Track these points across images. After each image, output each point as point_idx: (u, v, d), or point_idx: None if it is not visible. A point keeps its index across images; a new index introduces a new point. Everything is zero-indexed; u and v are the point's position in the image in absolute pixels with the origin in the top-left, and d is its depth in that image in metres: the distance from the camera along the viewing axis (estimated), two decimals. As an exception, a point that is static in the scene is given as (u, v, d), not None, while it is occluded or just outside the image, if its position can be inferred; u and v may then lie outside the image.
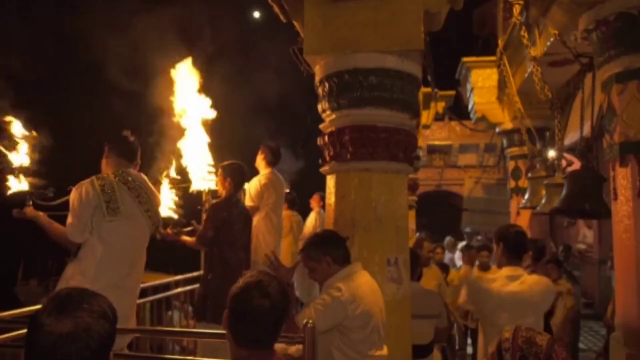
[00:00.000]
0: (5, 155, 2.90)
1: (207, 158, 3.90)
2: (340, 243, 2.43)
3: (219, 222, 3.49)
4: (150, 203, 2.81)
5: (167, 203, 3.47)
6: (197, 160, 3.85)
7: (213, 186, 3.90)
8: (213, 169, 3.91)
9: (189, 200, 3.79)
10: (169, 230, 3.42)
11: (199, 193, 3.98)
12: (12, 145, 2.93)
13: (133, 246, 2.74)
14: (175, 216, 3.52)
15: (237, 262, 3.50)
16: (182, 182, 3.69)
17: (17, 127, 2.97)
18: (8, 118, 2.91)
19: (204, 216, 3.96)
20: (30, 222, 2.75)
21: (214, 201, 3.67)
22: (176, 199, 3.56)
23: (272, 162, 4.54)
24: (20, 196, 2.81)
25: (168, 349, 4.41)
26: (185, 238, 3.61)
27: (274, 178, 4.48)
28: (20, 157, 2.94)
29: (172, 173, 3.62)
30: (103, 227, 2.63)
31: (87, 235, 2.63)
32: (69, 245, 2.70)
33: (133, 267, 2.74)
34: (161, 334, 4.02)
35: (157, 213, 2.88)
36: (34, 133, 3.00)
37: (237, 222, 3.58)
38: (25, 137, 2.95)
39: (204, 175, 3.88)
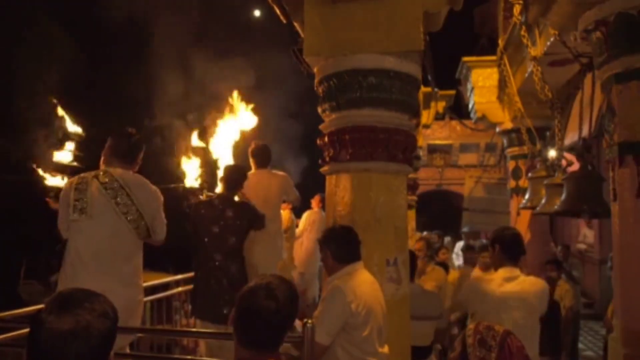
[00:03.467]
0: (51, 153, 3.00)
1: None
2: (343, 241, 2.45)
3: (192, 219, 3.51)
4: (130, 206, 2.66)
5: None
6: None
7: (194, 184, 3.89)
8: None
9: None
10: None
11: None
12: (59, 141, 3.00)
13: (104, 247, 2.63)
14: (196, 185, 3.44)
15: (217, 262, 3.40)
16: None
17: (68, 124, 3.04)
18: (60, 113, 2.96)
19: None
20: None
21: (200, 200, 3.66)
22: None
23: (260, 164, 4.36)
24: (56, 190, 2.92)
25: (174, 350, 4.43)
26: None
27: (261, 178, 4.32)
28: (64, 153, 3.03)
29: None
30: (71, 226, 2.65)
31: (67, 233, 2.67)
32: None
33: (110, 269, 2.62)
34: (161, 334, 4.04)
35: (142, 215, 2.69)
36: (80, 130, 3.05)
37: (217, 225, 3.45)
38: (72, 134, 3.01)
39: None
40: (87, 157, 3.08)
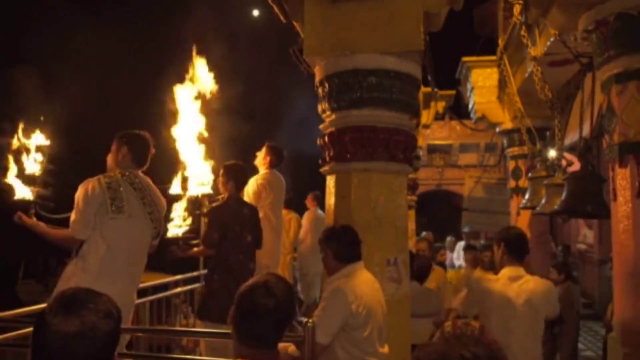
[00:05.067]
0: (19, 161, 2.94)
1: (202, 162, 3.89)
2: (344, 240, 2.45)
3: (221, 224, 3.51)
4: (154, 206, 2.80)
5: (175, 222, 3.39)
6: (193, 166, 3.83)
7: (207, 190, 3.86)
8: (210, 173, 3.89)
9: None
10: (177, 252, 3.34)
11: (196, 198, 3.96)
12: (26, 151, 2.96)
13: (134, 246, 2.73)
14: (180, 233, 3.47)
15: (239, 263, 3.51)
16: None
17: (36, 136, 3.01)
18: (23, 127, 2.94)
19: (203, 220, 3.99)
20: (28, 229, 2.77)
21: (215, 204, 3.67)
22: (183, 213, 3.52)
23: (275, 164, 4.50)
24: (24, 203, 2.84)
25: (173, 350, 4.43)
26: (194, 250, 3.61)
27: (272, 178, 4.45)
28: (32, 165, 2.98)
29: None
30: (106, 224, 2.63)
31: (90, 232, 2.63)
32: (71, 245, 2.70)
33: (133, 267, 2.73)
34: (161, 334, 4.04)
35: (160, 217, 2.85)
36: (49, 142, 3.04)
37: (238, 224, 3.56)
38: (41, 146, 3.00)
39: (201, 181, 3.84)
40: (58, 170, 3.07)
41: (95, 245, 2.62)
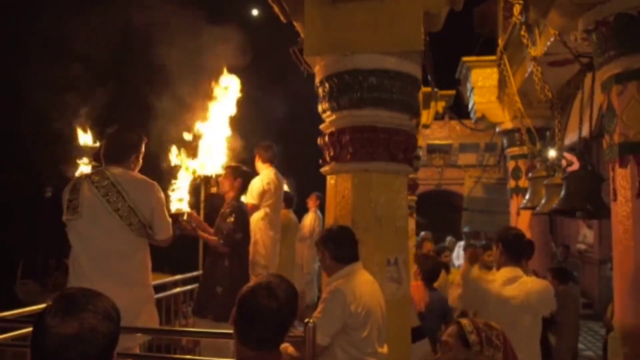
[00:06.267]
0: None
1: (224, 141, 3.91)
2: (342, 241, 2.45)
3: (245, 224, 3.56)
4: (122, 202, 2.62)
5: (179, 195, 3.39)
6: (214, 142, 3.84)
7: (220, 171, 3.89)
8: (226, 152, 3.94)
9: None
10: (187, 226, 3.34)
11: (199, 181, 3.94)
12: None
13: (97, 246, 2.62)
14: (186, 208, 3.41)
15: (247, 262, 3.62)
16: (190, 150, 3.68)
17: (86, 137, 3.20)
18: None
19: (202, 201, 4.01)
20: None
21: (235, 203, 3.67)
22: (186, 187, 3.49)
23: (268, 159, 4.55)
24: None
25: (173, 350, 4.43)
26: (206, 236, 3.56)
27: (276, 178, 4.49)
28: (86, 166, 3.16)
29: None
30: (68, 226, 2.67)
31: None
32: None
33: (104, 269, 2.60)
34: (161, 334, 4.03)
35: (137, 212, 2.65)
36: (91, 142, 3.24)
37: (248, 226, 3.68)
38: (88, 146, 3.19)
39: (218, 158, 3.85)
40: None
41: (71, 247, 2.67)
